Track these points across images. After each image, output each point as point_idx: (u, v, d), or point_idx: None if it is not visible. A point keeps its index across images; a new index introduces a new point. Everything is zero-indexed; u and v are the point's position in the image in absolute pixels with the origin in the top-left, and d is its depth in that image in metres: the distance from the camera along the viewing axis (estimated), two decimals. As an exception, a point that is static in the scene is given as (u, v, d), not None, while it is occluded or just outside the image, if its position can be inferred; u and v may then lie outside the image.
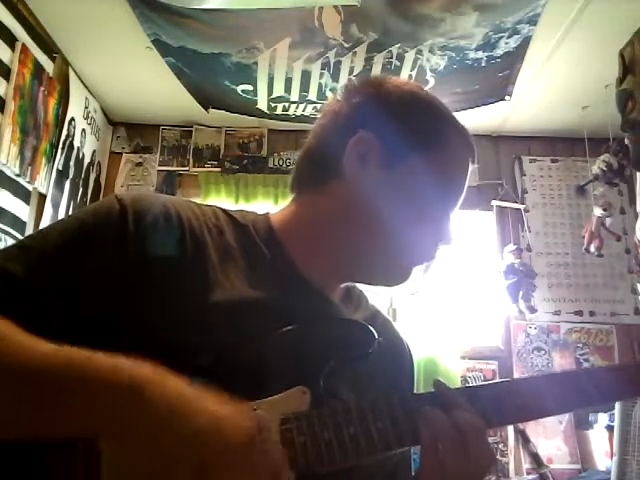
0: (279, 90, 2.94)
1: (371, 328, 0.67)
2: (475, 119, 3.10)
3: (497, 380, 0.75)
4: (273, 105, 3.11)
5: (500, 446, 2.94)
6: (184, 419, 0.46)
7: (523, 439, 2.91)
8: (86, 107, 3.15)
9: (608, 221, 2.99)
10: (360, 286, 0.83)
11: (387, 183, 0.71)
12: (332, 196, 0.73)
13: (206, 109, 3.19)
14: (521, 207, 3.43)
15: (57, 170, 2.84)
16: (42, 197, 2.75)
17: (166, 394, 0.48)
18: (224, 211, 0.74)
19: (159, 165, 3.52)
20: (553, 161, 3.56)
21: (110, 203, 0.64)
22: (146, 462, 0.46)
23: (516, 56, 2.64)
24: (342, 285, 0.78)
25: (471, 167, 0.77)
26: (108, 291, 0.59)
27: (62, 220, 0.67)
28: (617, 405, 2.09)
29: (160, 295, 0.61)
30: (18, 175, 2.49)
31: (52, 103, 2.74)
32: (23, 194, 2.58)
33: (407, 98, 0.75)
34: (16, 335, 0.52)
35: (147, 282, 0.61)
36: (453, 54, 2.60)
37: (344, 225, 0.72)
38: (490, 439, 2.89)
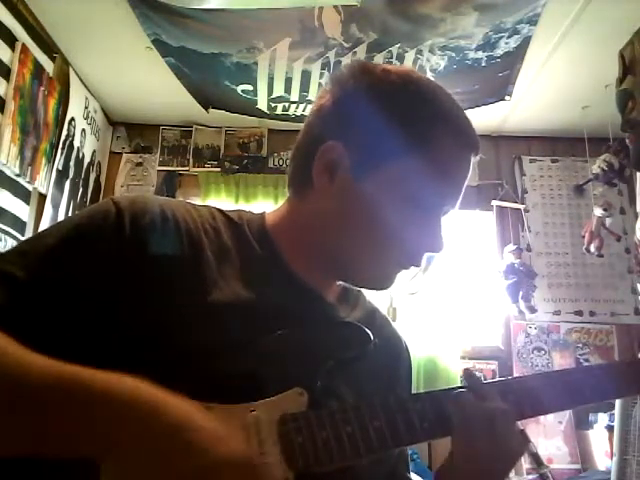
0: (279, 90, 2.94)
1: (366, 329, 0.67)
2: (475, 119, 3.07)
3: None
4: (273, 105, 3.12)
5: (500, 446, 2.94)
6: (188, 434, 0.47)
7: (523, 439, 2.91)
8: (86, 107, 3.15)
9: (608, 221, 2.99)
10: None
11: (356, 194, 0.68)
12: (309, 202, 0.73)
13: (206, 109, 3.19)
14: (521, 207, 3.43)
15: (57, 170, 2.84)
16: (42, 197, 2.75)
17: (170, 411, 0.48)
18: (221, 211, 0.74)
19: (159, 165, 3.52)
20: (553, 161, 3.56)
21: (106, 206, 0.64)
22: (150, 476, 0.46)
23: (516, 56, 2.64)
24: (338, 283, 0.77)
25: (473, 159, 0.72)
26: (105, 293, 0.59)
27: (58, 223, 0.67)
28: (617, 405, 2.09)
29: (157, 296, 0.61)
30: (18, 175, 2.49)
31: (52, 103, 2.74)
32: (23, 194, 2.58)
33: (390, 96, 0.69)
34: (12, 348, 0.51)
35: (144, 284, 0.61)
36: (453, 54, 2.60)
37: (321, 231, 0.72)
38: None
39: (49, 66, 2.71)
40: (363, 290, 0.83)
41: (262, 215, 0.77)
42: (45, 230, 0.66)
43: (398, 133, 0.67)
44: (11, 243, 2.47)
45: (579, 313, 3.32)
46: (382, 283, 0.73)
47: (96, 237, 0.61)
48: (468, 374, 0.68)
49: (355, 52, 2.59)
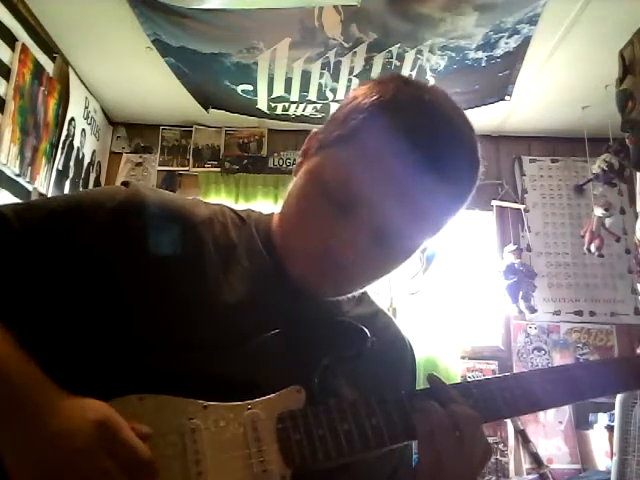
0: (279, 90, 2.94)
1: (364, 327, 0.67)
2: (475, 119, 3.08)
3: (489, 377, 0.75)
4: (273, 105, 3.12)
5: (500, 446, 2.94)
6: (45, 422, 0.49)
7: (523, 439, 2.91)
8: (86, 107, 3.15)
9: (608, 221, 2.99)
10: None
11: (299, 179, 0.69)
12: None
13: (206, 109, 3.19)
14: (521, 207, 3.44)
15: (57, 170, 2.84)
16: (42, 197, 2.75)
17: (35, 402, 0.50)
18: (231, 210, 0.74)
19: (159, 165, 3.52)
20: (553, 161, 3.56)
21: (112, 193, 0.65)
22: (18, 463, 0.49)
23: (516, 56, 2.64)
24: None
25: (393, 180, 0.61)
26: (98, 283, 0.60)
27: (69, 194, 0.68)
28: (617, 405, 2.09)
29: (154, 292, 0.61)
30: (18, 175, 2.49)
31: (52, 103, 2.74)
32: (23, 194, 2.58)
33: (350, 101, 0.67)
34: None
35: (139, 280, 0.60)
36: (453, 54, 2.60)
37: None
38: (490, 439, 2.89)
39: (49, 66, 2.71)
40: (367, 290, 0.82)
41: (270, 215, 0.77)
42: (55, 196, 0.67)
43: (338, 127, 0.66)
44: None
45: (579, 313, 3.32)
46: (312, 277, 0.67)
47: (89, 221, 0.62)
48: (432, 378, 0.65)
49: (355, 52, 2.59)
